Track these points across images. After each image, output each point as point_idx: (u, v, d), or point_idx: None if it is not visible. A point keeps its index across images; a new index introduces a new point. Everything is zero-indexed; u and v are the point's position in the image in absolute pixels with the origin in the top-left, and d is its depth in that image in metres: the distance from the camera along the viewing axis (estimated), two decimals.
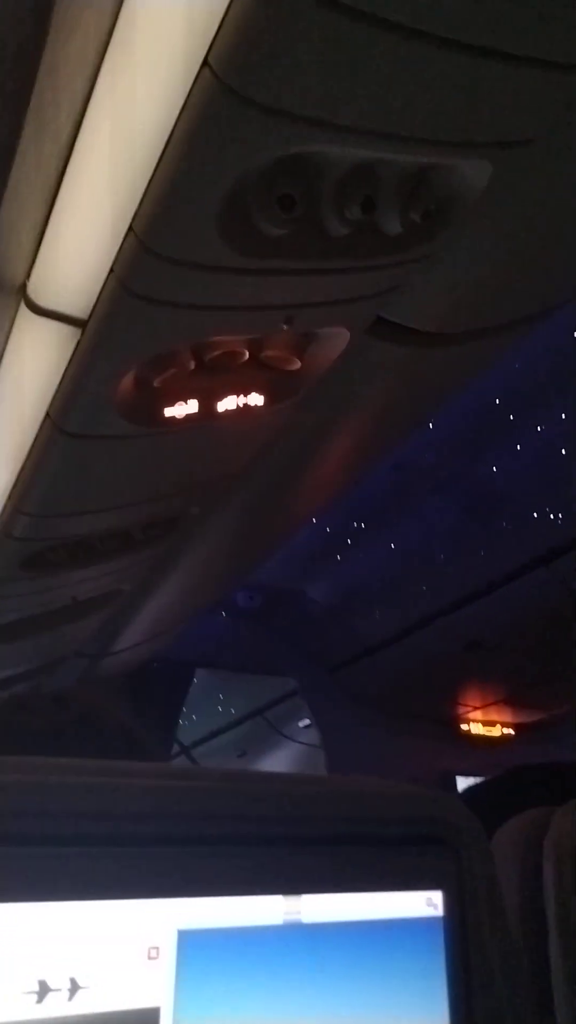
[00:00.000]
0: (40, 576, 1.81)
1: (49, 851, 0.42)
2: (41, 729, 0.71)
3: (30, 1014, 0.39)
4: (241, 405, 1.33)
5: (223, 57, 0.75)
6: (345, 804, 0.55)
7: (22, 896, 0.41)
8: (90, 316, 1.08)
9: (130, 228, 0.96)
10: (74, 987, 0.41)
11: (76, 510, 1.58)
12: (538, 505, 3.45)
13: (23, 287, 1.14)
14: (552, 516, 3.47)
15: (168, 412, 1.26)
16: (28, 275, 1.11)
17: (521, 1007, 0.52)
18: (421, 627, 4.15)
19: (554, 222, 1.29)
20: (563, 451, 3.24)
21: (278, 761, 5.70)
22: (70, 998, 0.41)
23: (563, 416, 3.13)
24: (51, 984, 0.40)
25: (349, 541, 4.02)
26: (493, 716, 5.07)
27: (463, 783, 4.58)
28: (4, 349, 1.27)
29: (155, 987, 0.44)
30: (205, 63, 0.76)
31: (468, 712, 5.03)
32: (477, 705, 4.97)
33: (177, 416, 1.27)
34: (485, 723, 5.07)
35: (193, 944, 0.45)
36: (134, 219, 0.95)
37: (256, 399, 1.35)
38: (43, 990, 0.40)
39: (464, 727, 5.02)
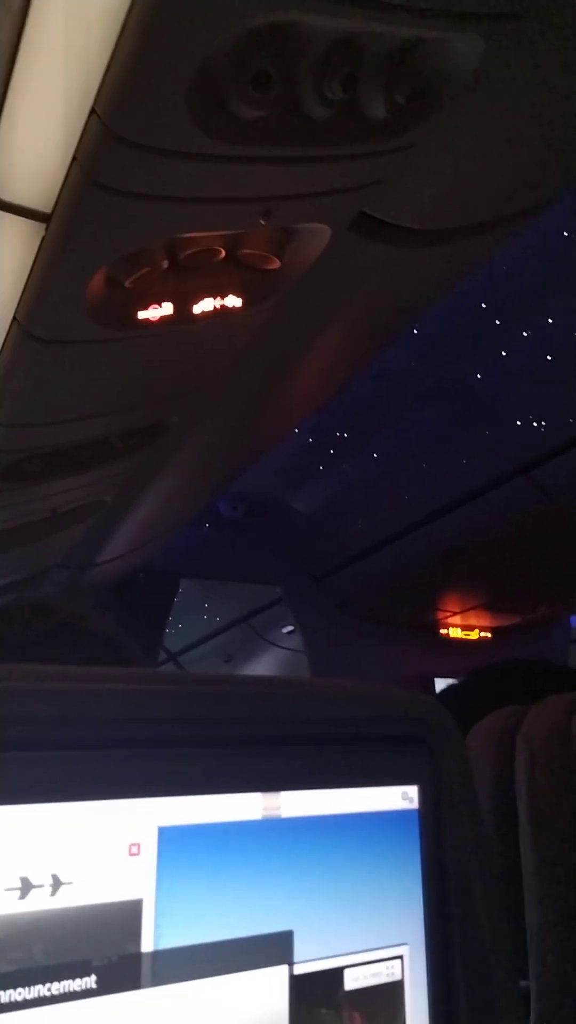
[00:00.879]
0: (17, 488, 1.79)
1: (30, 755, 0.42)
2: (21, 638, 0.71)
3: (13, 909, 0.40)
4: (218, 307, 1.28)
5: None
6: (324, 705, 0.55)
7: (4, 799, 0.41)
8: (54, 210, 1.01)
9: (92, 110, 0.89)
10: (56, 883, 0.42)
11: (50, 419, 1.54)
12: (522, 413, 3.42)
13: None
14: (535, 424, 3.45)
15: (142, 315, 1.21)
16: None
17: (494, 895, 0.54)
18: (403, 535, 4.20)
19: (546, 111, 1.21)
20: (548, 357, 3.19)
21: (264, 666, 5.87)
22: (53, 893, 0.42)
23: (550, 321, 3.07)
24: (33, 880, 0.41)
25: (332, 451, 4.00)
26: (471, 621, 5.21)
27: (441, 685, 4.75)
28: None
29: (137, 881, 0.45)
30: None
31: (447, 617, 5.16)
32: (456, 610, 5.10)
33: (151, 319, 1.22)
34: (464, 628, 5.22)
35: (174, 840, 0.46)
36: (96, 99, 0.87)
37: (233, 301, 1.30)
38: (25, 886, 0.41)
39: (443, 632, 5.17)
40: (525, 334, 3.14)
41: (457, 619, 5.19)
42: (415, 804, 0.56)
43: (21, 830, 0.41)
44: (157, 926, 0.45)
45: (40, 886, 0.41)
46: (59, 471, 1.77)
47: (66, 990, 0.42)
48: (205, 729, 0.50)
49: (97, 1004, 0.43)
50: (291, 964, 0.49)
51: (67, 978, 0.42)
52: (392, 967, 0.52)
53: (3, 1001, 0.39)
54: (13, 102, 0.95)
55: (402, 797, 0.55)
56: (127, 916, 0.44)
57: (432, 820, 0.56)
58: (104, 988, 0.43)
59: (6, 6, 0.88)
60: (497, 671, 1.02)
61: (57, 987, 0.41)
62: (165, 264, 1.16)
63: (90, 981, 0.42)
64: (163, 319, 1.23)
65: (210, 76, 0.85)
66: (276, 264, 1.28)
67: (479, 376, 3.41)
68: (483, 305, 3.02)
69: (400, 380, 3.38)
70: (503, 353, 3.25)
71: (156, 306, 1.21)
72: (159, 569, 4.42)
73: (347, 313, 1.69)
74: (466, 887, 0.56)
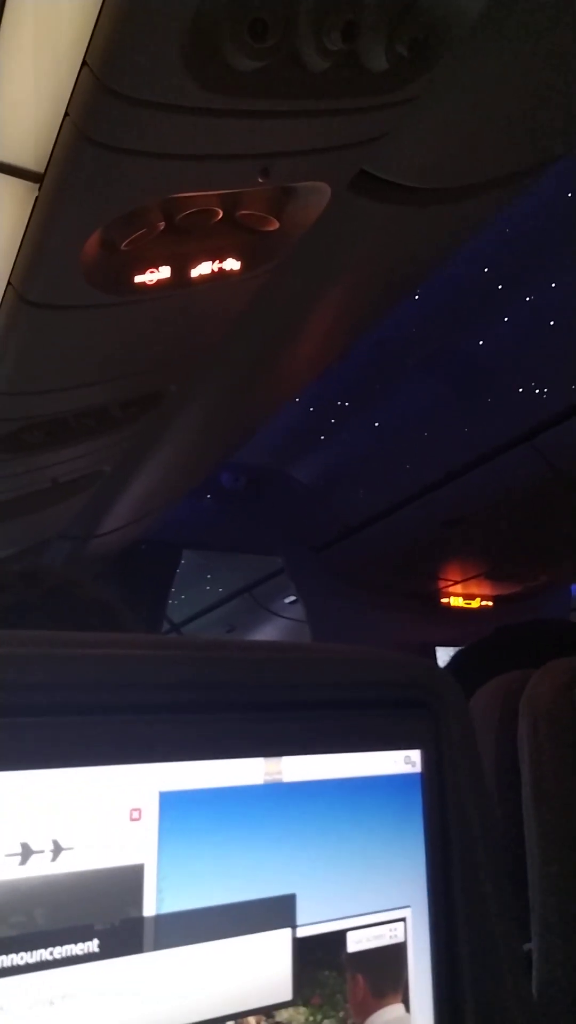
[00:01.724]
0: (17, 458, 1.77)
1: (28, 720, 0.42)
2: (8, 606, 0.70)
3: (13, 874, 0.40)
4: (216, 270, 1.25)
5: None
6: (326, 669, 0.55)
7: (4, 765, 0.40)
8: (47, 169, 0.98)
9: (84, 62, 0.86)
10: (57, 848, 0.42)
11: (48, 387, 1.51)
12: (523, 379, 3.39)
13: None
14: (537, 391, 3.42)
15: (138, 279, 1.18)
16: None
17: (496, 857, 0.54)
18: (404, 505, 4.19)
19: (549, 65, 1.17)
20: (552, 323, 3.15)
21: (266, 636, 5.90)
22: (54, 858, 0.41)
23: (553, 286, 3.03)
24: (33, 846, 0.41)
25: (333, 420, 3.98)
26: (473, 590, 5.22)
27: (443, 654, 4.78)
28: None
29: (138, 846, 0.44)
30: None
31: (449, 586, 5.17)
32: (457, 579, 5.11)
33: (148, 283, 1.19)
34: (465, 596, 5.23)
35: (175, 804, 0.45)
36: (87, 51, 0.84)
37: (232, 264, 1.27)
38: (26, 852, 0.40)
39: (444, 601, 5.19)
40: (528, 299, 3.10)
41: (458, 588, 5.20)
42: (418, 768, 0.55)
43: (21, 796, 0.41)
44: (159, 890, 0.45)
45: (40, 852, 0.41)
46: (58, 441, 1.75)
47: (68, 954, 0.41)
48: (207, 694, 0.49)
49: (100, 967, 0.42)
50: (294, 927, 0.49)
51: (69, 942, 0.41)
52: (395, 929, 0.52)
53: (5, 965, 0.39)
54: (2, 56, 0.92)
55: (405, 761, 0.55)
56: (129, 881, 0.44)
57: (435, 783, 0.56)
58: (106, 952, 0.43)
59: None
60: (503, 633, 1.01)
61: (59, 951, 0.41)
62: (162, 226, 1.14)
63: (92, 945, 0.42)
64: (160, 283, 1.21)
65: (205, 25, 0.82)
66: (275, 225, 1.25)
67: (481, 343, 3.37)
68: (485, 269, 2.97)
69: (401, 347, 3.34)
70: (505, 319, 3.21)
71: (153, 270, 1.18)
72: (161, 540, 4.43)
73: (348, 276, 1.66)
74: (469, 850, 0.55)
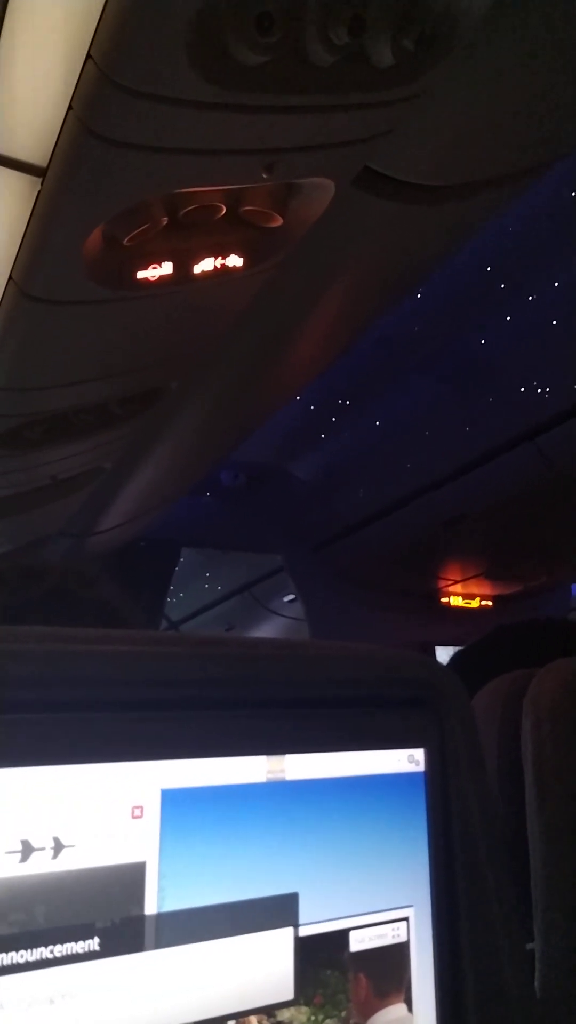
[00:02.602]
0: (18, 454, 1.77)
1: (29, 717, 0.41)
2: (8, 603, 0.70)
3: (14, 872, 0.40)
4: (219, 267, 1.25)
5: None
6: (329, 667, 0.54)
7: (4, 762, 0.40)
8: (50, 163, 0.97)
9: (88, 55, 0.85)
10: (58, 846, 0.41)
11: (48, 383, 1.51)
12: (525, 378, 3.39)
13: None
14: (539, 390, 3.42)
15: (140, 275, 1.18)
16: None
17: (499, 857, 0.54)
18: (404, 504, 4.18)
19: (556, 63, 1.17)
20: (554, 322, 3.14)
21: (264, 634, 5.90)
22: (54, 856, 0.41)
23: (556, 284, 3.02)
24: (34, 843, 0.40)
25: (333, 419, 3.97)
26: (473, 589, 5.22)
27: (442, 653, 4.77)
28: None
29: (140, 843, 0.44)
30: None
31: (449, 586, 5.17)
32: (457, 579, 5.10)
33: (150, 279, 1.18)
34: (465, 596, 5.23)
35: (177, 802, 0.45)
36: (92, 44, 0.84)
37: (235, 260, 1.26)
38: (26, 849, 0.40)
39: (444, 600, 5.18)
40: (530, 297, 3.09)
41: (458, 587, 5.20)
42: (421, 767, 0.55)
43: (21, 793, 0.40)
44: (160, 888, 0.44)
45: (41, 849, 0.40)
46: (59, 437, 1.75)
47: (69, 952, 0.41)
48: (209, 691, 0.49)
49: (100, 966, 0.42)
50: (296, 926, 0.48)
51: (70, 940, 0.41)
52: (398, 928, 0.52)
53: (5, 963, 0.39)
54: (6, 48, 0.91)
55: (408, 760, 0.55)
56: (130, 878, 0.44)
57: (438, 783, 0.55)
58: (107, 950, 0.42)
59: None
60: (504, 632, 1.01)
61: (60, 949, 0.41)
62: (164, 221, 1.13)
63: (93, 943, 0.42)
64: (162, 279, 1.20)
65: (211, 18, 0.81)
66: (278, 222, 1.24)
67: (483, 341, 3.37)
68: (487, 268, 2.97)
69: (402, 345, 3.34)
70: (507, 317, 3.20)
71: (155, 265, 1.18)
72: (160, 538, 4.42)
73: (351, 273, 1.66)
74: (472, 849, 0.55)
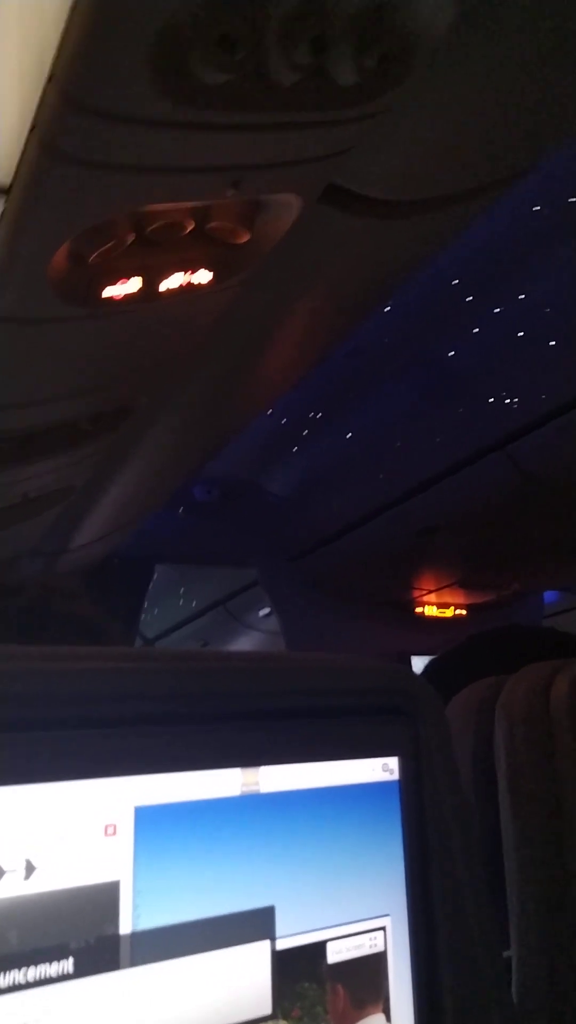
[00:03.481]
0: None
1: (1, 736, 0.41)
2: None
3: None
4: (186, 283, 1.25)
5: None
6: (301, 677, 0.55)
7: None
8: (13, 181, 0.98)
9: (50, 76, 0.86)
10: (29, 867, 0.41)
11: (16, 401, 1.50)
12: (494, 389, 3.43)
13: None
14: (508, 400, 3.47)
15: (107, 292, 1.18)
16: None
17: (475, 864, 0.54)
18: (378, 514, 4.21)
19: (520, 77, 1.20)
20: (520, 334, 3.19)
21: (241, 648, 5.87)
22: (26, 877, 0.41)
23: (521, 297, 3.07)
24: (5, 866, 0.40)
25: (305, 431, 3.98)
26: (447, 598, 5.25)
27: (418, 663, 4.79)
28: None
29: (114, 862, 0.44)
30: None
31: (423, 595, 5.20)
32: (431, 588, 5.13)
33: (117, 296, 1.19)
34: (439, 605, 5.26)
35: (151, 819, 0.45)
36: (54, 63, 0.84)
37: (202, 276, 1.27)
38: None
39: (419, 610, 5.21)
40: (497, 310, 3.14)
41: (432, 597, 5.23)
42: (395, 775, 0.55)
43: None
44: (135, 907, 0.44)
45: (12, 871, 0.40)
46: (27, 456, 1.73)
47: (43, 975, 0.41)
48: (180, 705, 0.49)
49: (75, 987, 0.42)
50: (273, 939, 0.48)
51: (43, 962, 0.41)
52: (375, 938, 0.52)
53: None
54: None
55: (382, 769, 0.55)
56: (104, 898, 0.44)
57: (413, 791, 0.56)
58: (82, 971, 0.42)
59: None
60: (477, 640, 1.02)
61: (33, 972, 0.40)
62: (131, 238, 1.13)
63: (67, 964, 0.42)
64: (129, 296, 1.20)
65: (172, 38, 0.82)
66: (246, 237, 1.25)
67: (452, 353, 3.41)
68: (455, 281, 3.01)
69: (373, 358, 3.37)
70: (475, 329, 3.25)
71: (123, 282, 1.18)
72: (133, 555, 4.39)
73: (319, 288, 1.67)
74: (448, 857, 0.55)
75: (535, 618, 5.47)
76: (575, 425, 3.30)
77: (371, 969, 0.51)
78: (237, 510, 4.44)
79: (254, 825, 0.49)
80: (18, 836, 0.41)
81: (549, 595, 5.63)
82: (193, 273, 1.25)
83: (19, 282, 1.11)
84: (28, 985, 0.39)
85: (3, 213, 1.01)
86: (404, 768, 0.56)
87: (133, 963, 0.43)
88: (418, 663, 4.74)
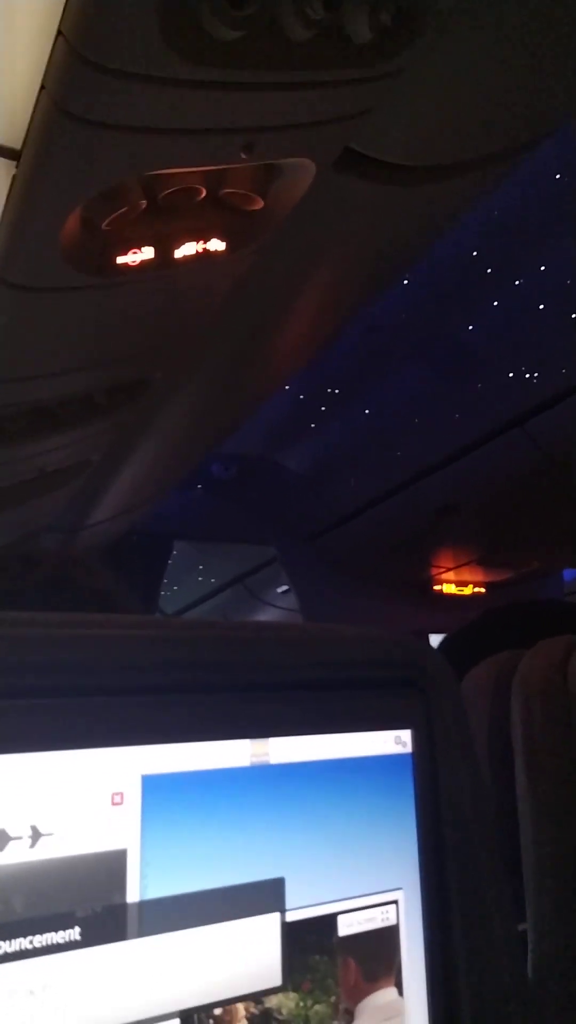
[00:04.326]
0: (2, 447, 1.75)
1: (5, 704, 0.40)
2: (5, 589, 0.68)
3: None
4: (200, 251, 1.23)
5: None
6: (316, 649, 0.53)
7: None
8: (24, 144, 0.96)
9: (59, 32, 0.83)
10: (36, 834, 0.40)
11: (29, 373, 1.49)
12: (514, 364, 3.38)
13: None
14: (528, 375, 3.41)
15: (120, 260, 1.16)
16: None
17: (490, 837, 0.53)
18: (396, 492, 4.18)
19: (540, 37, 1.15)
20: (541, 306, 3.13)
21: None
22: (32, 844, 0.40)
23: (543, 269, 3.01)
24: (11, 832, 0.39)
25: (323, 408, 3.96)
26: (465, 576, 5.23)
27: (435, 640, 4.78)
28: None
29: (121, 831, 0.43)
30: None
31: (441, 573, 5.18)
32: (450, 566, 5.11)
33: (130, 264, 1.17)
34: (457, 583, 5.24)
35: (159, 788, 0.44)
36: (62, 19, 0.82)
37: (216, 244, 1.25)
38: (3, 838, 0.39)
39: (437, 588, 5.19)
40: (517, 283, 3.08)
41: (451, 575, 5.20)
42: (408, 748, 0.54)
43: None
44: (143, 876, 0.43)
45: (18, 838, 0.39)
46: (43, 429, 1.73)
47: (49, 943, 0.40)
48: (191, 674, 0.48)
49: (82, 956, 0.41)
50: (283, 911, 0.47)
51: (50, 930, 0.40)
52: (387, 912, 0.51)
53: None
54: None
55: (395, 741, 0.54)
56: (111, 866, 0.43)
57: (426, 764, 0.55)
58: (88, 940, 0.41)
59: None
60: (494, 614, 1.01)
61: (39, 940, 0.40)
62: (143, 205, 1.11)
63: (74, 933, 0.41)
64: (143, 264, 1.18)
65: None
66: (260, 204, 1.22)
67: (471, 327, 3.36)
68: (474, 253, 2.95)
69: (391, 333, 3.32)
70: (495, 303, 3.19)
71: (135, 250, 1.16)
72: (152, 531, 4.41)
73: (336, 258, 1.64)
74: (462, 829, 0.54)
75: (556, 596, 5.43)
76: None
77: (383, 942, 0.50)
78: (255, 488, 4.43)
79: (264, 796, 0.48)
80: (25, 803, 0.40)
81: (568, 573, 5.59)
82: (207, 241, 1.23)
83: (31, 249, 1.10)
84: (34, 952, 0.39)
85: (13, 178, 0.99)
86: (417, 741, 0.55)
87: (141, 933, 0.43)
88: (436, 641, 4.73)
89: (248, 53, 0.88)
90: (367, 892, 0.51)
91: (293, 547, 4.81)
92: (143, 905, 0.43)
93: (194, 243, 1.23)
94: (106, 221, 1.09)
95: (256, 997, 0.46)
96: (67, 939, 0.40)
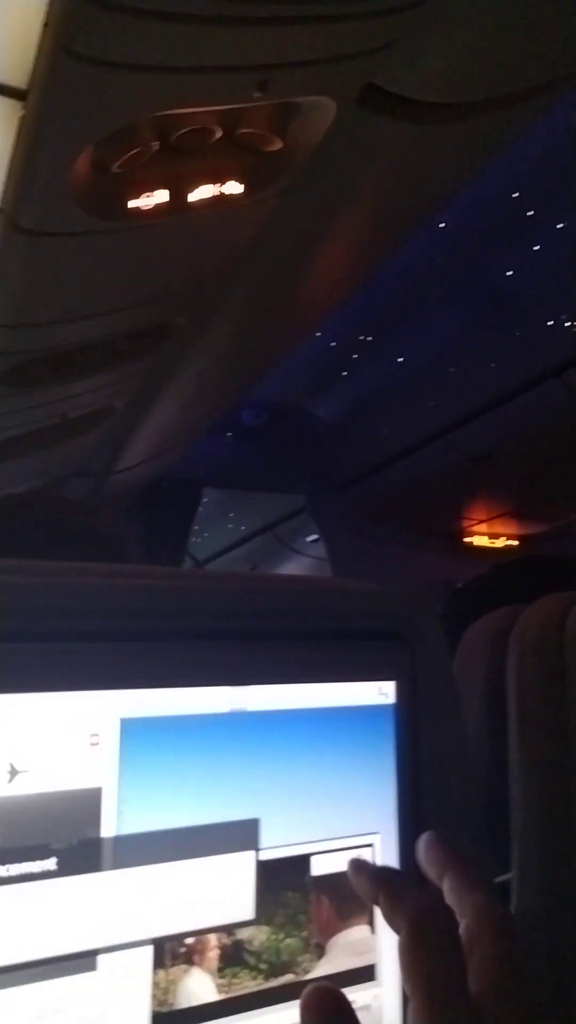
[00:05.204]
0: (24, 392, 1.76)
1: None
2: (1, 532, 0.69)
3: None
4: (217, 194, 1.20)
5: None
6: (295, 598, 0.54)
7: None
8: (30, 84, 0.94)
9: None
10: (13, 771, 0.42)
11: (47, 319, 1.48)
12: (553, 312, 3.28)
13: None
14: (567, 323, 3.31)
15: (133, 203, 1.14)
16: None
17: (471, 790, 0.54)
18: (429, 442, 4.13)
19: None
20: None
21: (288, 573, 5.94)
22: (9, 780, 0.41)
23: None
24: None
25: (355, 355, 3.89)
26: (498, 528, 5.18)
27: None
28: None
29: (97, 770, 0.44)
30: None
31: (473, 525, 5.14)
32: (483, 518, 5.07)
33: (144, 208, 1.15)
34: (490, 535, 5.20)
35: (136, 731, 0.45)
36: None
37: (234, 187, 1.22)
38: None
39: (468, 540, 5.16)
40: (560, 226, 2.96)
41: (483, 527, 5.16)
42: (391, 699, 0.54)
43: None
44: (119, 812, 0.45)
45: None
46: (64, 375, 1.73)
47: (25, 871, 0.42)
48: (170, 622, 0.48)
49: (57, 885, 0.43)
50: (257, 850, 0.49)
51: (26, 860, 0.42)
52: (362, 855, 0.52)
53: None
54: None
55: (378, 692, 0.54)
56: (87, 803, 0.44)
57: (408, 715, 0.55)
58: (64, 870, 0.43)
59: None
60: (510, 568, 0.99)
61: (15, 868, 0.42)
62: (156, 146, 1.09)
63: (50, 863, 0.43)
64: (157, 208, 1.16)
65: None
66: (279, 145, 1.19)
67: (509, 273, 3.25)
68: (514, 195, 2.84)
69: (426, 278, 3.23)
70: (535, 247, 3.08)
71: (148, 193, 1.14)
72: (182, 478, 4.44)
73: (361, 201, 1.59)
74: (442, 780, 0.55)
75: None
76: None
77: None
78: (286, 436, 4.41)
79: (242, 741, 0.49)
80: (2, 741, 0.41)
81: None
82: (224, 184, 1.20)
83: (40, 193, 1.08)
84: (10, 880, 0.41)
85: (20, 119, 0.98)
86: (400, 692, 0.55)
87: (115, 866, 0.44)
88: None
89: None
90: (342, 835, 0.52)
91: (323, 496, 4.81)
92: (118, 840, 0.44)
93: (210, 186, 1.20)
94: (117, 163, 1.07)
95: (228, 929, 0.48)
96: (43, 869, 0.42)
